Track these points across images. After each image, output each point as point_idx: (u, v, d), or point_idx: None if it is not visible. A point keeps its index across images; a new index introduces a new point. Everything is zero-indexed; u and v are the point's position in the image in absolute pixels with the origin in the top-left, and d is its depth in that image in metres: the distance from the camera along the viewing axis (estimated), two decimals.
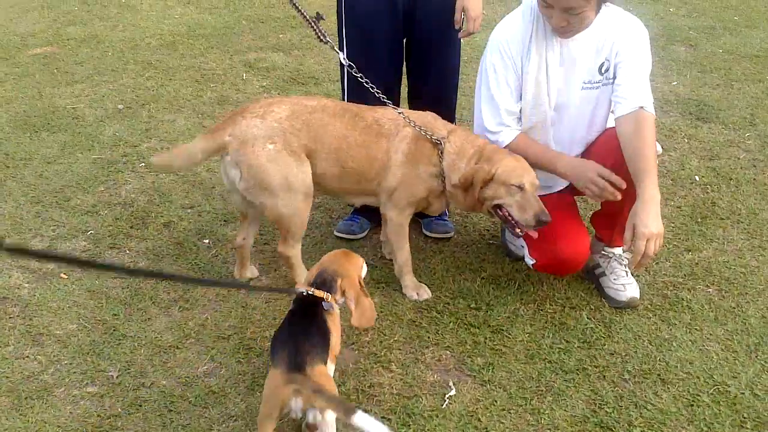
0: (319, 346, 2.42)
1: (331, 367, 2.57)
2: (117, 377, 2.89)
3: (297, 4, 3.18)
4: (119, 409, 2.74)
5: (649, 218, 2.76)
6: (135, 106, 5.17)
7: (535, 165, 3.06)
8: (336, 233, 3.73)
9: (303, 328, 2.47)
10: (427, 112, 3.24)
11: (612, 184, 2.90)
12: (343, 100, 3.63)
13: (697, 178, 4.27)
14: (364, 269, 2.78)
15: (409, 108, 3.61)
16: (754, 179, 4.26)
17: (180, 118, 4.99)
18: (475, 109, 3.29)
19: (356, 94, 3.49)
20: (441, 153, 3.09)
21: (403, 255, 3.31)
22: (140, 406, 2.76)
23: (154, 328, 3.14)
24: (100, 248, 3.66)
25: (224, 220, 3.89)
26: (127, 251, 3.65)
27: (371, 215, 3.78)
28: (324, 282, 2.60)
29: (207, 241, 3.72)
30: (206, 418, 2.70)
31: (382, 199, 3.22)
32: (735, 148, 4.64)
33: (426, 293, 3.31)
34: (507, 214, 3.04)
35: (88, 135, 4.77)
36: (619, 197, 2.90)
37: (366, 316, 2.60)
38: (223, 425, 2.67)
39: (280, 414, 2.32)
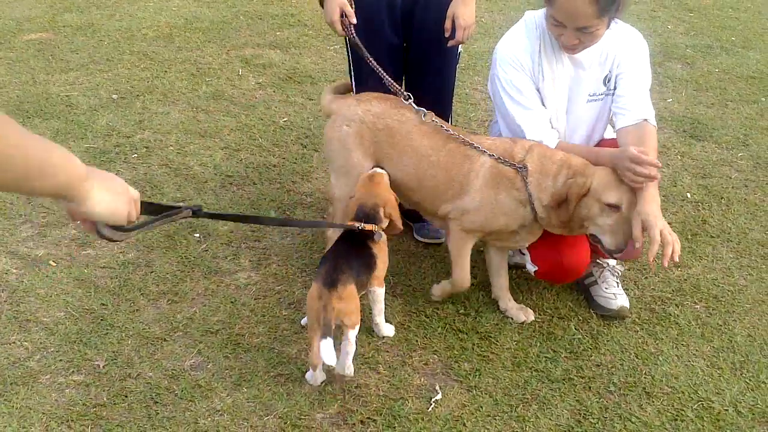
0: (356, 268, 2.76)
1: (380, 291, 2.96)
2: (103, 367, 2.87)
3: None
4: (105, 399, 2.73)
5: (655, 211, 2.72)
6: (129, 97, 5.14)
7: None
8: (327, 234, 3.71)
9: (346, 250, 2.82)
10: (504, 137, 3.16)
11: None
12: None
13: (688, 195, 4.29)
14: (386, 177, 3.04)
15: None
16: (745, 199, 4.29)
17: (174, 111, 4.96)
18: (503, 127, 3.21)
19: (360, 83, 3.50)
20: (525, 178, 2.92)
21: (459, 272, 3.16)
22: (126, 396, 2.74)
23: (142, 320, 3.12)
24: (90, 237, 3.62)
25: None
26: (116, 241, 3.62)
27: None
28: (367, 216, 2.88)
29: (197, 235, 3.70)
30: (191, 412, 2.69)
31: (452, 215, 3.08)
32: (727, 167, 4.67)
33: (529, 317, 3.23)
34: (598, 239, 2.88)
35: (81, 123, 4.74)
36: (655, 175, 2.75)
37: (395, 226, 2.97)
38: (209, 419, 2.66)
39: (318, 321, 2.62)
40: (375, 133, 3.12)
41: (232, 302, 3.24)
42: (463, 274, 3.17)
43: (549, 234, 3.03)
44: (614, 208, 2.79)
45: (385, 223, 2.91)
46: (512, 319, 3.22)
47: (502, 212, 2.99)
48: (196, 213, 2.15)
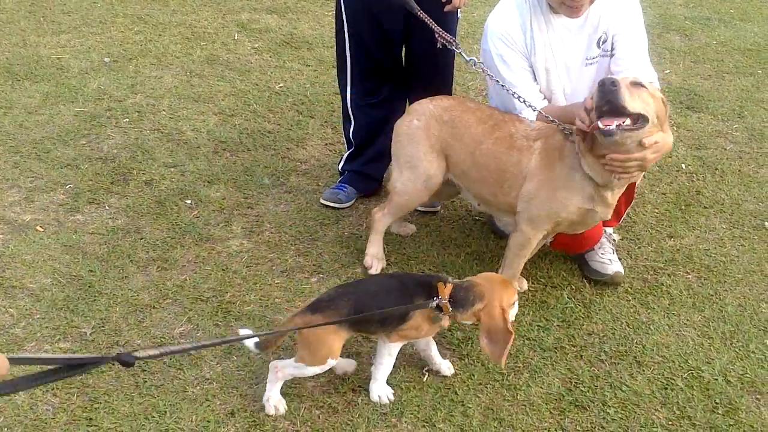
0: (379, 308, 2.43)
1: (391, 347, 2.58)
2: (90, 334, 2.85)
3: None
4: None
5: None
6: (122, 60, 5.06)
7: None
8: (322, 201, 3.69)
9: (379, 292, 2.54)
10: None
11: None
12: (343, 68, 3.59)
13: (683, 166, 4.27)
14: (515, 309, 2.55)
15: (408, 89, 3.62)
16: (739, 170, 4.27)
17: (167, 75, 4.90)
18: (495, 100, 3.23)
19: (356, 59, 3.47)
20: (573, 143, 2.83)
21: (511, 272, 3.06)
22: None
23: (131, 287, 3.10)
24: (79, 203, 3.60)
25: (208, 181, 3.83)
26: (107, 207, 3.59)
27: (358, 184, 3.75)
28: (463, 298, 2.47)
29: (189, 201, 3.66)
30: (180, 380, 2.68)
31: (519, 207, 2.97)
32: (722, 138, 4.64)
33: (522, 286, 3.17)
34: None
35: (71, 87, 4.67)
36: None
37: (495, 353, 2.43)
38: (198, 387, 2.65)
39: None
40: (441, 125, 3.09)
41: (223, 270, 3.22)
42: (516, 272, 3.06)
43: None
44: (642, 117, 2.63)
45: (467, 320, 2.52)
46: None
47: (561, 187, 2.84)
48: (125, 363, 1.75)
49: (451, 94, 3.62)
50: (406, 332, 2.53)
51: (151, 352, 1.82)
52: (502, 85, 3.03)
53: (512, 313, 2.53)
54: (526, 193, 2.93)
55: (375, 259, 3.27)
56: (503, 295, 2.49)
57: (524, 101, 3.01)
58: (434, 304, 2.45)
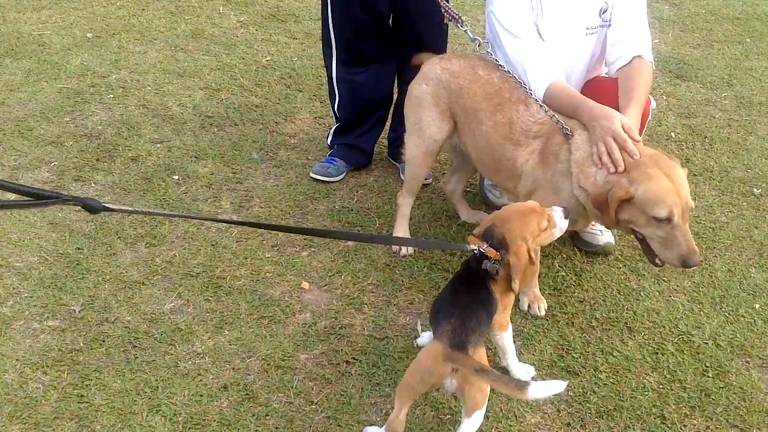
0: (483, 323, 2.24)
1: (506, 336, 2.48)
2: (79, 312, 2.83)
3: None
4: (81, 344, 2.69)
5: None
6: (105, 36, 4.99)
7: (564, 110, 2.81)
8: (312, 174, 3.66)
9: (468, 299, 2.26)
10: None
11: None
12: (328, 40, 3.54)
13: (672, 134, 4.26)
14: (549, 233, 2.39)
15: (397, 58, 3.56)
16: (728, 138, 4.27)
17: (152, 50, 4.83)
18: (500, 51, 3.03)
19: (341, 34, 3.43)
20: (569, 145, 2.64)
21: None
22: (103, 341, 2.71)
23: (119, 263, 3.07)
24: (64, 180, 3.55)
25: (195, 156, 3.79)
26: (93, 184, 3.55)
27: (349, 157, 3.72)
28: (496, 240, 2.28)
29: (176, 177, 3.63)
30: (171, 355, 2.67)
31: (521, 198, 2.80)
32: (711, 107, 4.64)
33: (541, 310, 2.90)
34: (646, 244, 2.54)
35: (54, 63, 4.59)
36: (621, 169, 2.51)
37: (525, 281, 2.36)
38: (189, 362, 2.64)
39: (429, 389, 2.22)
40: (448, 93, 2.98)
41: (212, 245, 3.20)
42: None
43: None
44: (665, 221, 2.43)
45: (508, 257, 2.27)
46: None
47: (553, 192, 2.69)
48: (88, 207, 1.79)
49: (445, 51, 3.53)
50: (502, 312, 2.37)
51: (123, 207, 1.83)
52: (501, 66, 2.88)
53: (547, 238, 2.39)
54: (524, 190, 2.81)
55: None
56: (527, 224, 2.32)
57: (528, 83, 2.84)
58: (475, 248, 2.27)
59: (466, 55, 3.07)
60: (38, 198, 1.74)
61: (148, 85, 4.41)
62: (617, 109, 2.70)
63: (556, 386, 2.10)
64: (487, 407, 2.23)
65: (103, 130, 3.97)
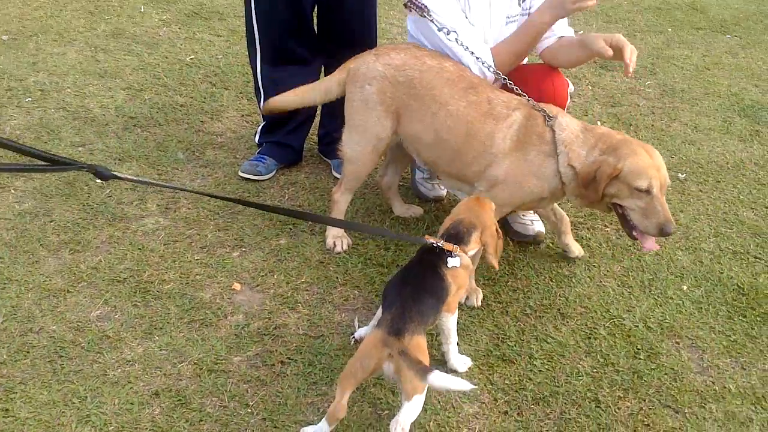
0: (429, 312, 2.35)
1: (452, 319, 2.52)
2: (2, 323, 2.70)
3: None
4: (5, 356, 2.57)
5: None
6: (21, 38, 4.79)
7: (521, 55, 3.02)
8: (240, 174, 3.59)
9: (416, 287, 2.37)
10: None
11: None
12: (252, 39, 3.47)
13: (599, 123, 4.35)
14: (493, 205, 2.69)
15: (325, 55, 3.52)
16: (653, 125, 4.39)
17: (71, 52, 4.66)
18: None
19: (265, 33, 3.38)
20: (552, 130, 2.76)
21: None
22: (28, 352, 2.60)
23: (43, 272, 2.95)
24: None
25: (119, 159, 3.68)
26: (12, 191, 3.40)
27: (278, 155, 3.66)
28: (458, 234, 2.51)
29: (99, 180, 3.50)
30: (100, 364, 2.57)
31: (481, 187, 2.87)
32: (635, 95, 4.76)
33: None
34: (626, 216, 2.73)
35: None
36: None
37: (498, 254, 2.61)
38: (119, 370, 2.55)
39: (369, 375, 2.25)
40: (396, 87, 2.94)
41: (139, 249, 3.10)
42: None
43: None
44: (645, 191, 2.63)
45: (472, 249, 2.54)
46: (567, 252, 3.23)
47: (533, 173, 2.78)
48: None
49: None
50: (454, 297, 2.47)
51: (129, 176, 2.12)
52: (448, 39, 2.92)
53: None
54: (491, 177, 2.82)
55: (337, 239, 3.17)
56: (487, 212, 2.61)
57: (477, 58, 2.92)
58: (433, 242, 2.47)
59: (401, 48, 3.02)
60: (54, 163, 1.93)
61: (68, 88, 4.26)
62: (544, 79, 2.97)
63: (459, 383, 2.21)
64: (425, 400, 2.24)
65: (21, 134, 3.81)
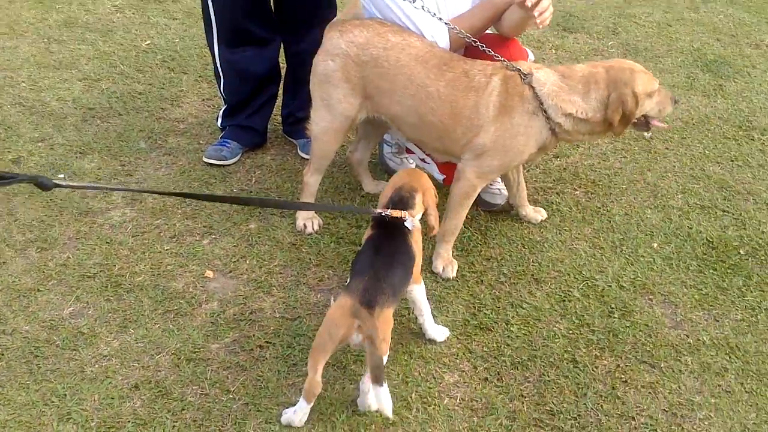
0: (400, 283, 2.36)
1: (419, 289, 2.55)
2: None
3: None
4: None
5: None
6: None
7: (479, 30, 3.00)
8: (205, 159, 3.54)
9: (387, 259, 2.36)
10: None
11: None
12: (209, 20, 3.41)
13: None
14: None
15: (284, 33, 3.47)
16: None
17: (23, 44, 4.54)
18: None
19: (220, 14, 3.32)
20: (532, 87, 2.75)
21: (453, 222, 2.96)
22: (2, 354, 2.56)
23: (11, 272, 2.90)
24: None
25: (80, 152, 3.60)
26: None
27: (242, 138, 3.62)
28: (402, 200, 2.50)
29: (62, 175, 3.44)
30: (76, 361, 2.55)
31: (467, 156, 2.85)
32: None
33: (453, 272, 2.96)
34: (644, 121, 2.88)
35: None
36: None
37: (430, 225, 2.59)
38: (96, 366, 2.53)
39: (338, 345, 2.23)
40: (362, 67, 2.87)
41: (107, 243, 3.05)
42: (458, 223, 2.98)
43: None
44: (656, 91, 2.81)
45: (418, 212, 2.52)
46: (530, 221, 3.25)
47: (520, 134, 2.78)
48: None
49: None
50: (417, 266, 2.48)
51: (73, 183, 1.97)
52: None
53: None
54: (479, 145, 2.80)
55: (308, 221, 3.14)
56: (424, 176, 2.62)
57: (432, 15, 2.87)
58: (381, 211, 2.45)
59: (365, 23, 2.94)
60: None
61: (23, 82, 4.15)
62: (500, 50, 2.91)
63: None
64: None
65: None
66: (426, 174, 2.65)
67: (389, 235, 2.45)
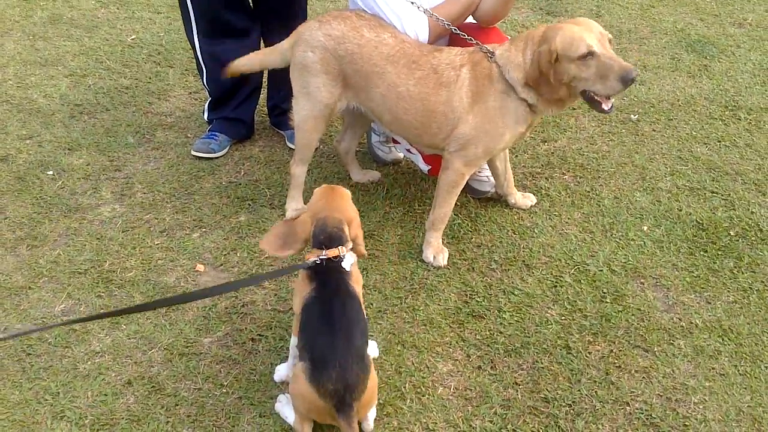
0: (361, 346, 2.14)
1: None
2: None
3: None
4: None
5: None
6: None
7: (457, 19, 2.98)
8: (193, 152, 3.53)
9: (346, 331, 2.11)
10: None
11: None
12: (186, 12, 3.38)
13: None
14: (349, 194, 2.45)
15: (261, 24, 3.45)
16: None
17: (8, 42, 4.51)
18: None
19: (197, 5, 3.30)
20: (497, 64, 2.72)
21: (443, 210, 2.95)
22: None
23: (1, 270, 2.89)
24: None
25: (68, 149, 3.59)
26: None
27: (230, 130, 3.60)
28: (330, 238, 2.23)
29: (51, 172, 3.42)
30: (69, 358, 2.54)
31: (451, 148, 2.83)
32: None
33: (444, 260, 2.95)
34: (593, 95, 2.62)
35: None
36: None
37: (359, 251, 2.36)
38: (89, 363, 2.53)
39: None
40: (338, 60, 2.87)
41: (98, 238, 3.04)
42: (447, 211, 2.96)
43: None
44: (588, 55, 2.55)
45: (349, 246, 2.27)
46: (520, 207, 3.25)
47: (497, 116, 2.74)
48: None
49: (306, 18, 3.46)
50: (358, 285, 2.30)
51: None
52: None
53: None
54: (460, 135, 2.79)
55: (297, 213, 3.10)
56: (346, 201, 2.37)
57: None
58: (315, 259, 2.20)
59: (344, 16, 2.93)
60: None
61: (9, 79, 4.12)
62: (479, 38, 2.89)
63: None
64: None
65: None
66: (344, 191, 2.40)
67: (333, 289, 2.19)
